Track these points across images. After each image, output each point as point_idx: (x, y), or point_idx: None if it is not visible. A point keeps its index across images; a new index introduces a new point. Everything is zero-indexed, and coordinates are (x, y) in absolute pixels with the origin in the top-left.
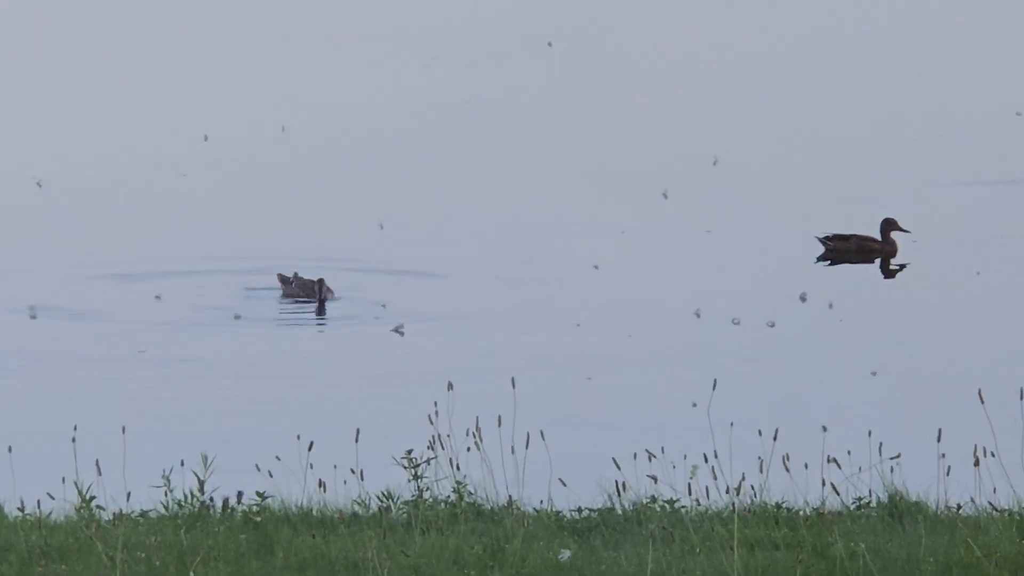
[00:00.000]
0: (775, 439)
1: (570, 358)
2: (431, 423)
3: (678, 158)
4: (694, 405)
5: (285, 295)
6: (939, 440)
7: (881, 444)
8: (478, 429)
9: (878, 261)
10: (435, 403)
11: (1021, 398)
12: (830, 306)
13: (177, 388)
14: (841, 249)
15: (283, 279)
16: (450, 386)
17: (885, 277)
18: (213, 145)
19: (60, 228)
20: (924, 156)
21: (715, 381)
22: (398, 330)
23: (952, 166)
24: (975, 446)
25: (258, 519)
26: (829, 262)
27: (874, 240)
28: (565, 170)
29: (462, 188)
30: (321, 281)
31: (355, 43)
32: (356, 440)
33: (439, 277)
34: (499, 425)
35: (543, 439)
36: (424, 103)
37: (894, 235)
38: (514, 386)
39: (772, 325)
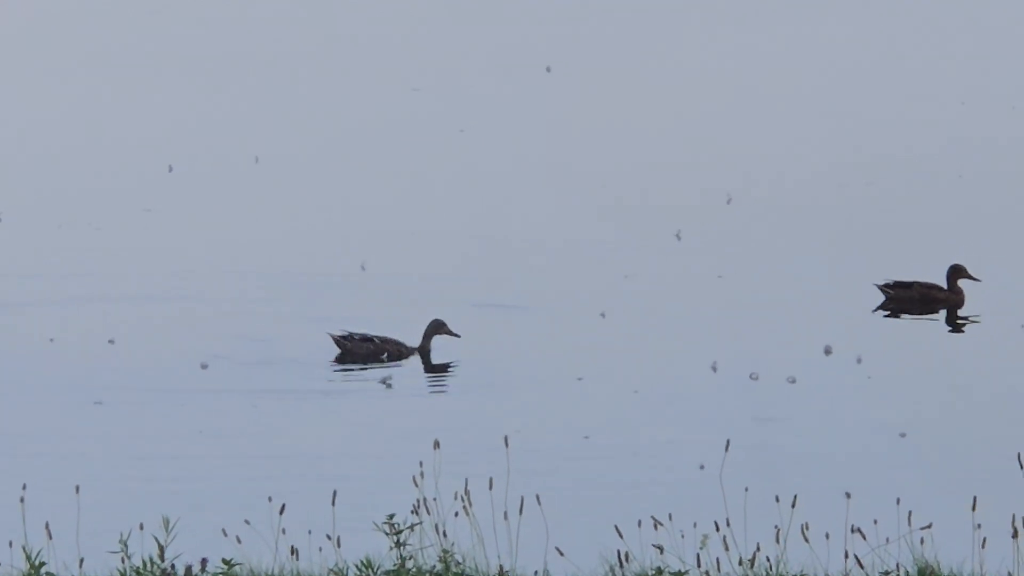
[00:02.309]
0: (793, 506)
1: (570, 415)
2: (415, 485)
3: (689, 195)
4: (702, 467)
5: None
6: (974, 509)
7: (910, 512)
8: (467, 492)
9: (944, 312)
10: (420, 463)
11: None
12: (858, 360)
13: (136, 443)
14: (903, 298)
15: (338, 340)
16: (436, 444)
17: (951, 331)
18: (179, 177)
19: (15, 265)
20: (979, 192)
21: (728, 442)
22: (385, 382)
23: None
24: (1013, 515)
25: None
26: (889, 312)
27: (939, 288)
28: (567, 206)
29: (453, 225)
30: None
31: (333, 69)
32: (333, 503)
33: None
34: (490, 488)
35: (539, 503)
36: (413, 133)
37: (961, 283)
38: (507, 445)
39: (793, 381)
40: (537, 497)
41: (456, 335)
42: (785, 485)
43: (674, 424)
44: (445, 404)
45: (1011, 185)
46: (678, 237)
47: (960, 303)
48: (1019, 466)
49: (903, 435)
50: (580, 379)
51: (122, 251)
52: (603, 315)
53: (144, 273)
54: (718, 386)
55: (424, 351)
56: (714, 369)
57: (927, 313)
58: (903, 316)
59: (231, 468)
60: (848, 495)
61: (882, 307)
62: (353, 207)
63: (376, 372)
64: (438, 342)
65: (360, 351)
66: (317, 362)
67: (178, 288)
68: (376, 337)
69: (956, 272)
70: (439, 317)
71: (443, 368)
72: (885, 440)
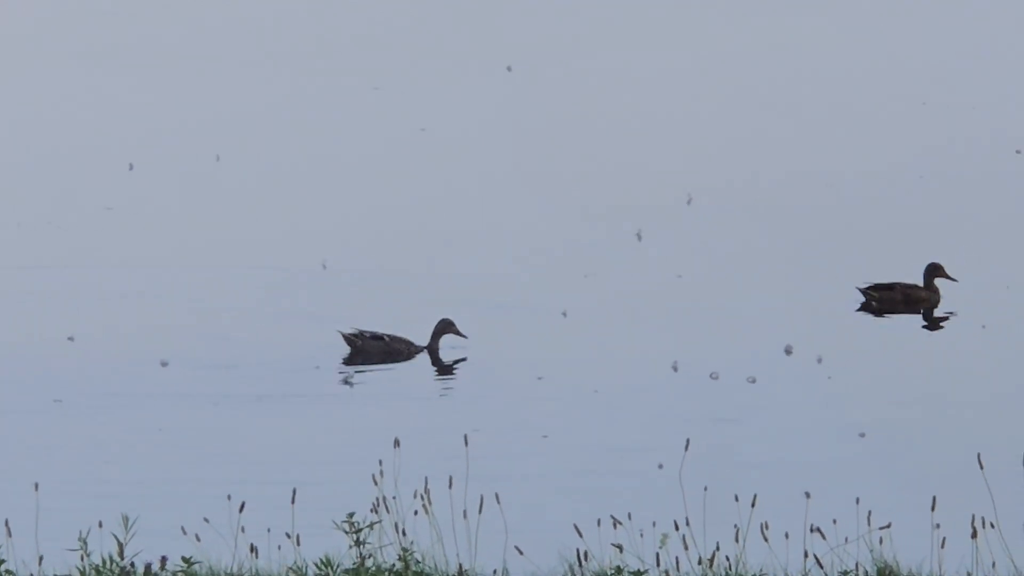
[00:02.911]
0: (753, 505)
1: (530, 414)
2: (375, 484)
3: (649, 194)
4: (660, 467)
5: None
6: (933, 509)
7: (870, 512)
8: (427, 491)
9: (922, 311)
10: (380, 462)
11: None
12: (819, 360)
13: (95, 441)
14: (886, 300)
15: (349, 339)
16: (396, 443)
17: (928, 329)
18: (140, 175)
19: None
20: (941, 192)
21: (688, 441)
22: (347, 381)
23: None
24: (973, 516)
25: None
26: (874, 314)
27: (920, 288)
28: (528, 205)
29: (413, 223)
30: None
31: (293, 67)
32: (292, 501)
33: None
34: (450, 486)
35: (498, 502)
36: (372, 133)
37: (938, 282)
38: (467, 444)
39: (753, 381)
40: (496, 496)
41: (463, 335)
42: (744, 485)
43: (634, 423)
44: (407, 404)
45: (972, 185)
46: (639, 237)
47: (937, 302)
48: (979, 466)
49: (863, 435)
50: (540, 378)
51: (82, 249)
52: (564, 314)
53: (104, 271)
54: (678, 386)
55: (433, 350)
56: (675, 369)
57: (910, 313)
58: (881, 316)
59: (191, 467)
60: (807, 495)
61: (864, 309)
62: (314, 205)
63: (375, 371)
64: (445, 341)
65: (370, 349)
66: (278, 360)
67: (138, 286)
68: (386, 335)
69: (933, 271)
70: (447, 316)
71: (452, 368)
72: (845, 440)
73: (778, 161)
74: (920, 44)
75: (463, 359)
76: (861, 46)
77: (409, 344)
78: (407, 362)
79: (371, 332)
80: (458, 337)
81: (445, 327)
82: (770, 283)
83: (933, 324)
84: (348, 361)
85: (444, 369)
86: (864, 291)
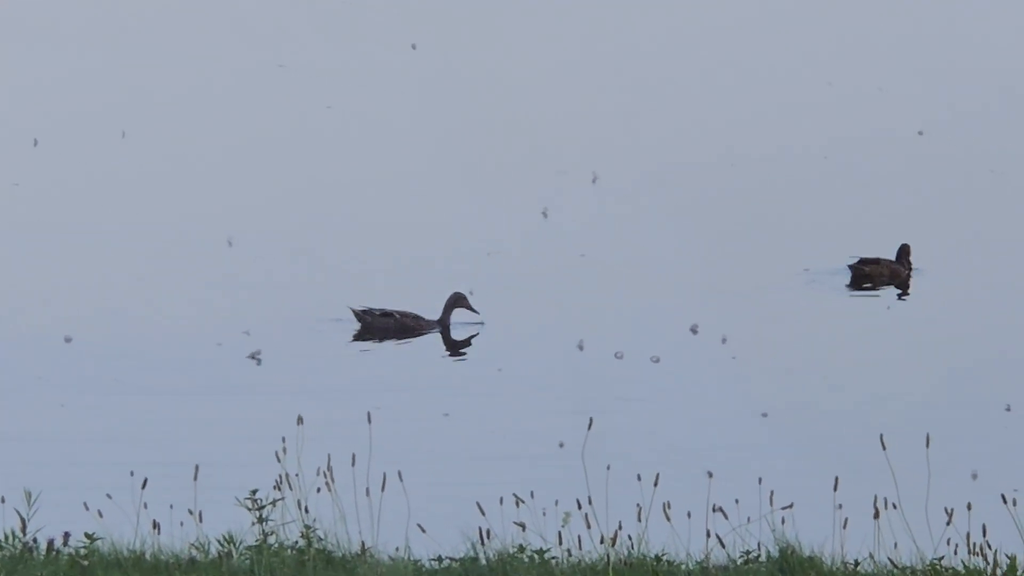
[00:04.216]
0: (656, 485)
1: (432, 392)
2: (278, 461)
3: (554, 173)
4: (561, 445)
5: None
6: (836, 489)
7: (772, 493)
8: (330, 468)
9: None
10: (283, 439)
11: (927, 445)
12: (723, 341)
13: None
14: (875, 274)
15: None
16: (300, 420)
17: (897, 302)
18: (45, 150)
19: None
20: (846, 173)
21: (591, 420)
22: (255, 356)
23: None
24: (875, 497)
25: (85, 563)
26: (865, 288)
27: (902, 265)
28: (432, 183)
29: (320, 200)
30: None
31: (199, 44)
32: (195, 478)
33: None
34: (353, 464)
35: (401, 480)
36: (280, 109)
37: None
38: (370, 421)
39: (657, 360)
40: (399, 474)
41: (475, 311)
42: (647, 464)
43: (538, 402)
44: (311, 380)
45: (876, 166)
46: (544, 215)
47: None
48: (881, 447)
49: (765, 415)
50: (443, 356)
51: None
52: (471, 292)
53: (9, 247)
54: (583, 364)
55: (444, 325)
56: (580, 348)
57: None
58: (863, 290)
59: (93, 443)
60: (710, 474)
61: (853, 285)
62: (220, 182)
63: (385, 345)
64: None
65: (380, 325)
66: (182, 335)
67: (43, 262)
68: (396, 312)
69: (905, 251)
70: (460, 290)
71: (465, 343)
72: (747, 420)
73: (683, 142)
74: (827, 26)
75: (476, 334)
76: (767, 28)
77: (419, 319)
78: (418, 337)
79: (380, 309)
80: (469, 312)
81: (457, 300)
82: (675, 263)
83: (900, 297)
84: (358, 337)
85: (455, 347)
86: (853, 266)
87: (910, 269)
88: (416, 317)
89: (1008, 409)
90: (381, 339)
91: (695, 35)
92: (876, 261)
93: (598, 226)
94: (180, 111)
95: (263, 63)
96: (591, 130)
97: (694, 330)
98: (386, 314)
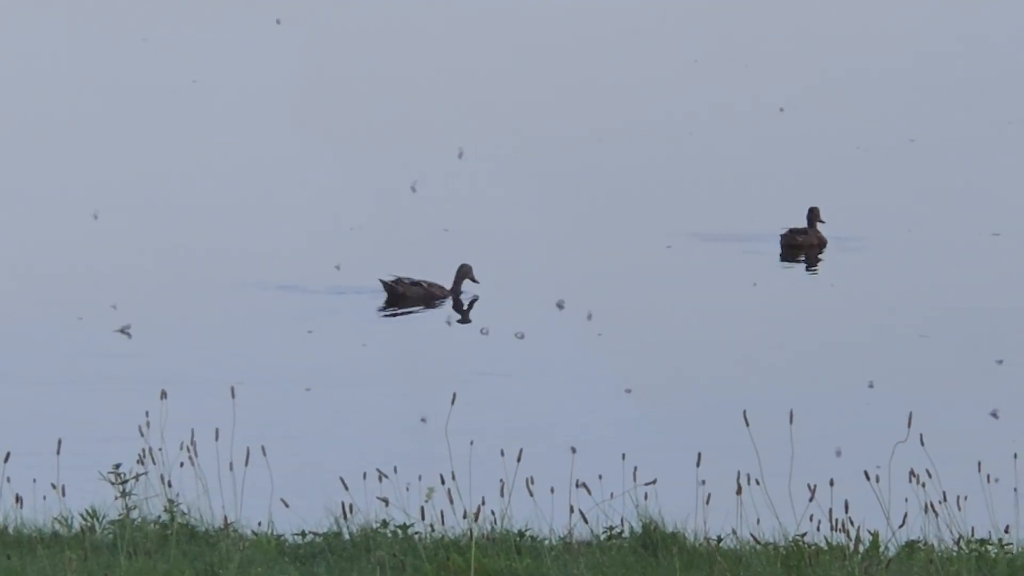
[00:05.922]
0: (519, 460)
1: (296, 367)
2: (142, 435)
3: (420, 148)
4: (423, 420)
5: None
6: (698, 465)
7: (636, 468)
8: (193, 443)
9: (804, 257)
10: (147, 413)
11: (791, 421)
12: (589, 317)
13: None
14: (805, 244)
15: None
16: (163, 394)
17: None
18: None
19: None
20: (709, 149)
21: (454, 395)
22: (124, 331)
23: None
24: (738, 473)
25: None
26: (798, 261)
27: (820, 233)
28: (299, 157)
29: (186, 175)
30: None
31: (61, 19)
32: (58, 452)
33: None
34: (216, 439)
35: (264, 455)
36: (145, 83)
37: (819, 226)
38: (233, 396)
39: (521, 336)
40: (263, 448)
41: (477, 282)
42: (510, 439)
43: (402, 377)
44: (177, 353)
45: (742, 142)
46: (413, 189)
47: (823, 245)
48: (744, 423)
49: (629, 391)
50: (310, 332)
51: None
52: (338, 267)
53: None
54: (449, 340)
55: (456, 294)
56: (448, 323)
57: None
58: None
59: None
60: (573, 450)
61: (784, 256)
62: (84, 157)
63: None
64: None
65: (410, 295)
66: (47, 308)
67: None
68: (424, 281)
69: (814, 214)
70: (466, 262)
71: (470, 310)
72: (611, 396)
73: (549, 118)
74: (694, 3)
75: (476, 299)
76: (639, 4)
77: (443, 288)
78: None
79: (409, 279)
80: (472, 282)
81: (466, 272)
82: (542, 238)
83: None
84: (387, 306)
85: (464, 315)
86: (786, 235)
87: (819, 235)
88: (441, 287)
89: (871, 386)
90: (413, 306)
91: (565, 8)
92: (805, 231)
93: (463, 201)
94: (42, 87)
95: (126, 36)
96: (458, 104)
97: (560, 306)
98: (415, 283)
